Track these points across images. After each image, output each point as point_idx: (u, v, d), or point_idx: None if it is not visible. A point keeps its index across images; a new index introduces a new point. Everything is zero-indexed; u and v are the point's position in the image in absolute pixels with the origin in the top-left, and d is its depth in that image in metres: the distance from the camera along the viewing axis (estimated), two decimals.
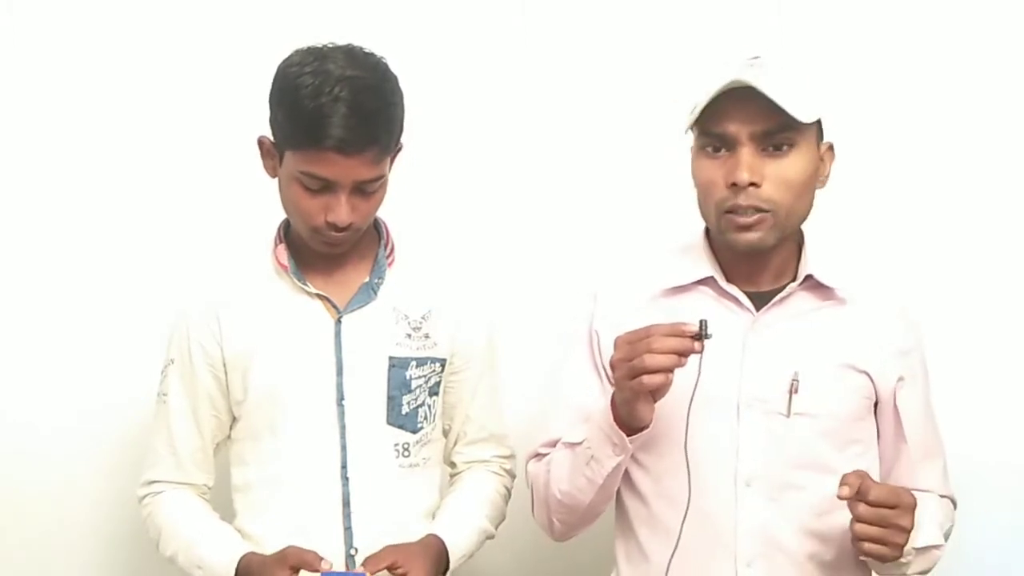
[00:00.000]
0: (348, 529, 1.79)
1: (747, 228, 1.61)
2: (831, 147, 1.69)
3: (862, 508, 1.52)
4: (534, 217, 2.33)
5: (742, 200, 1.60)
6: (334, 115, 1.63)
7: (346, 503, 1.79)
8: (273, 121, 1.72)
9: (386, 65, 1.72)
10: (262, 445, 1.82)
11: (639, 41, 2.31)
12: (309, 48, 1.70)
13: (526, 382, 2.25)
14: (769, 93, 1.56)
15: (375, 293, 1.82)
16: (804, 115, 1.59)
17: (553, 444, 1.77)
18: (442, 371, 1.88)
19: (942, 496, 1.76)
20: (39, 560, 2.32)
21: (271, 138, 1.74)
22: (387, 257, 1.85)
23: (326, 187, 1.68)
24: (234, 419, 1.85)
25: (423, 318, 1.85)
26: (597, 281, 1.82)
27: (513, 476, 2.00)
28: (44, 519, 2.31)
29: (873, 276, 1.77)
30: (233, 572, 1.74)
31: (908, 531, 1.54)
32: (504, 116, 2.32)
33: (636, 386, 1.52)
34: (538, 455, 1.82)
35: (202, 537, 1.80)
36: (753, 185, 1.59)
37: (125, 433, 2.27)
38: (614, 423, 1.59)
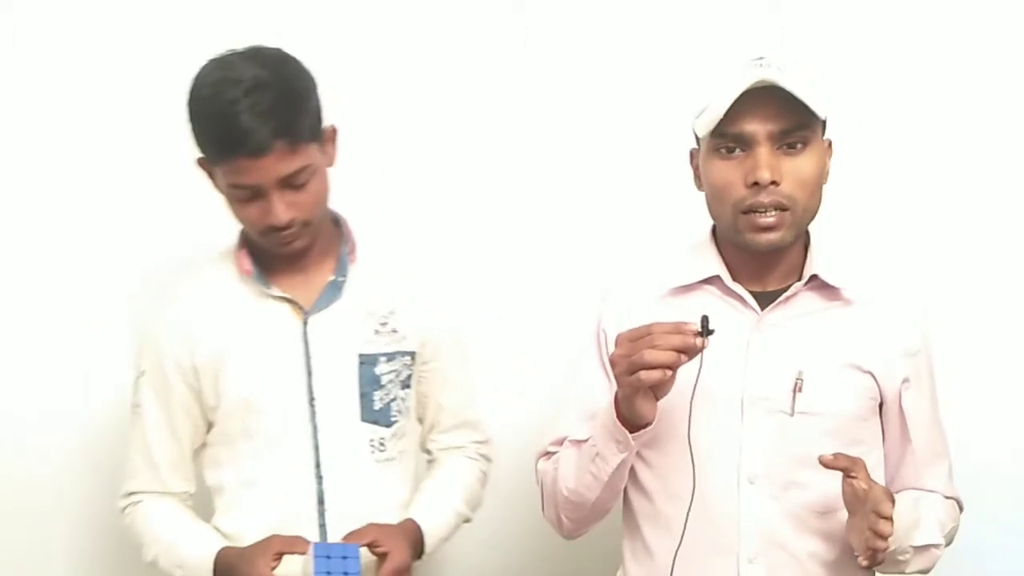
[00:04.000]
0: (323, 526, 1.81)
1: (767, 229, 1.63)
2: (830, 144, 1.71)
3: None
4: (541, 217, 2.35)
5: (763, 198, 1.61)
6: (232, 122, 1.64)
7: (321, 501, 1.81)
8: (195, 140, 1.74)
9: (286, 56, 1.74)
10: (237, 448, 1.84)
11: (636, 38, 2.33)
12: (212, 59, 1.72)
13: (533, 380, 2.28)
14: (796, 92, 1.58)
15: (339, 291, 1.84)
16: (822, 112, 1.62)
17: (561, 442, 1.79)
18: (413, 363, 1.90)
19: (947, 497, 1.76)
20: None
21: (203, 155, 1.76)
22: (349, 254, 1.86)
23: (256, 193, 1.70)
24: (209, 424, 1.87)
25: (390, 313, 1.86)
26: (607, 280, 1.84)
27: (489, 460, 2.03)
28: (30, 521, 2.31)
29: (881, 277, 1.77)
30: (211, 567, 1.77)
31: (890, 519, 1.55)
32: (504, 115, 2.33)
33: (635, 382, 1.53)
34: (547, 453, 1.84)
35: (181, 538, 1.82)
36: (773, 183, 1.60)
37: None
38: (617, 420, 1.60)
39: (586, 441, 1.69)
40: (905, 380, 1.71)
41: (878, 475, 1.72)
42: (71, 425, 2.28)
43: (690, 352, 1.52)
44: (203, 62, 1.72)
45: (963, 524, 1.80)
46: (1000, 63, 2.30)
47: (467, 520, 1.97)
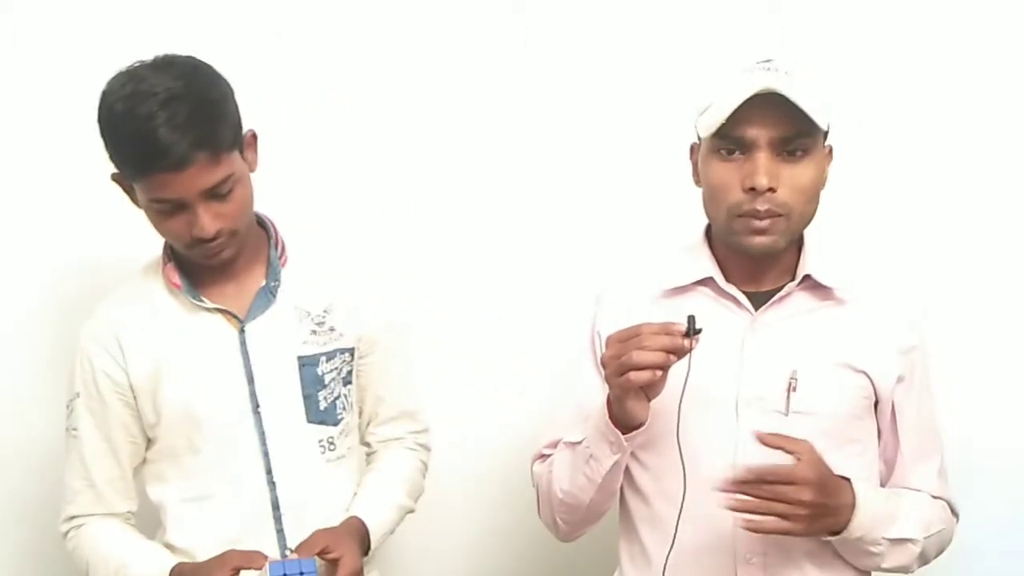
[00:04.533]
0: (280, 531, 1.81)
1: (761, 232, 1.62)
2: (831, 150, 1.70)
3: (741, 486, 1.54)
4: (540, 217, 2.35)
5: (759, 204, 1.60)
6: (150, 137, 1.60)
7: (275, 507, 1.81)
8: (109, 156, 1.70)
9: (198, 65, 1.69)
10: (183, 463, 1.82)
11: (636, 38, 2.33)
12: (121, 72, 1.67)
13: (533, 380, 2.28)
14: (799, 103, 1.57)
15: (273, 296, 1.82)
16: (824, 122, 1.61)
17: (556, 444, 1.79)
18: (352, 359, 1.89)
19: (935, 497, 1.75)
20: None
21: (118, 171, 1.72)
22: (279, 258, 1.84)
23: (179, 206, 1.66)
24: (149, 441, 1.84)
25: (325, 312, 1.85)
26: (601, 283, 1.84)
27: (428, 450, 2.03)
28: None
29: (875, 276, 1.77)
30: None
31: (814, 507, 1.54)
32: (504, 115, 2.33)
33: (624, 383, 1.53)
34: (542, 456, 1.84)
35: (130, 558, 1.79)
36: (771, 190, 1.60)
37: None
38: (609, 422, 1.60)
39: (580, 443, 1.69)
40: (900, 379, 1.70)
41: (873, 474, 1.72)
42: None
43: (679, 352, 1.52)
44: (115, 74, 1.68)
45: (962, 524, 1.80)
46: (1000, 63, 2.29)
47: (410, 511, 1.96)
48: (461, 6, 2.32)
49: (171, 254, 1.81)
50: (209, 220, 1.67)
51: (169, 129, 1.60)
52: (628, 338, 1.53)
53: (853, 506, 1.60)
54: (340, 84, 2.29)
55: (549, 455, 1.81)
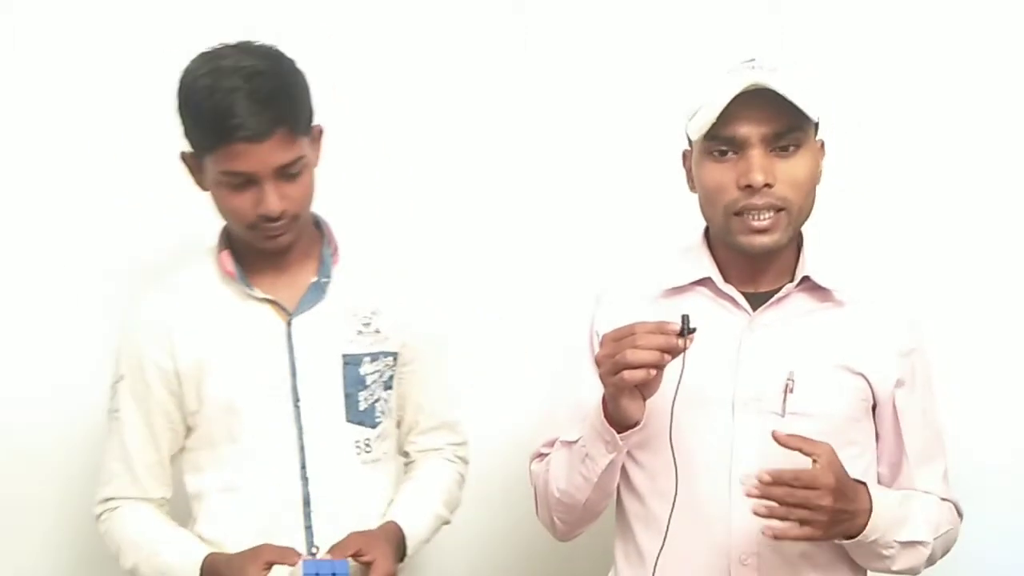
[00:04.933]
0: (309, 528, 1.80)
1: (762, 231, 1.62)
2: (823, 145, 1.70)
3: (767, 489, 1.52)
4: (541, 217, 2.35)
5: (757, 200, 1.61)
6: (233, 107, 1.65)
7: (307, 502, 1.81)
8: (185, 132, 1.73)
9: (279, 51, 1.75)
10: (219, 452, 1.82)
11: (635, 39, 2.33)
12: (203, 53, 1.73)
13: (533, 380, 2.27)
14: (788, 95, 1.57)
15: (324, 292, 1.83)
16: (814, 114, 1.61)
17: (553, 443, 1.79)
18: (395, 364, 1.90)
19: (943, 500, 1.75)
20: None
21: (190, 150, 1.75)
22: (332, 256, 1.86)
23: (249, 181, 1.69)
24: (188, 429, 1.85)
25: (373, 313, 1.86)
26: (601, 283, 1.84)
27: (466, 462, 2.03)
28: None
29: (875, 278, 1.77)
30: (197, 573, 1.75)
31: (834, 512, 1.54)
32: (503, 115, 2.33)
33: (618, 382, 1.53)
34: (540, 455, 1.85)
35: (162, 544, 1.80)
36: (767, 186, 1.60)
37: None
38: (605, 421, 1.60)
39: (576, 442, 1.69)
40: (899, 381, 1.70)
41: (871, 476, 1.72)
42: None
43: (673, 352, 1.52)
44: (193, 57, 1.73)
45: (963, 524, 1.79)
46: (999, 64, 2.29)
47: (446, 522, 1.97)
48: (461, 6, 2.32)
49: (227, 242, 1.83)
50: (276, 199, 1.70)
51: (252, 102, 1.65)
52: (622, 337, 1.53)
53: (869, 510, 1.60)
54: (340, 84, 2.28)
55: (547, 454, 1.82)
